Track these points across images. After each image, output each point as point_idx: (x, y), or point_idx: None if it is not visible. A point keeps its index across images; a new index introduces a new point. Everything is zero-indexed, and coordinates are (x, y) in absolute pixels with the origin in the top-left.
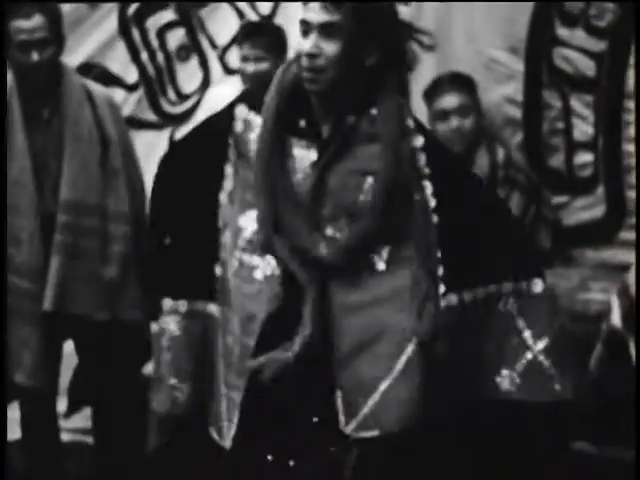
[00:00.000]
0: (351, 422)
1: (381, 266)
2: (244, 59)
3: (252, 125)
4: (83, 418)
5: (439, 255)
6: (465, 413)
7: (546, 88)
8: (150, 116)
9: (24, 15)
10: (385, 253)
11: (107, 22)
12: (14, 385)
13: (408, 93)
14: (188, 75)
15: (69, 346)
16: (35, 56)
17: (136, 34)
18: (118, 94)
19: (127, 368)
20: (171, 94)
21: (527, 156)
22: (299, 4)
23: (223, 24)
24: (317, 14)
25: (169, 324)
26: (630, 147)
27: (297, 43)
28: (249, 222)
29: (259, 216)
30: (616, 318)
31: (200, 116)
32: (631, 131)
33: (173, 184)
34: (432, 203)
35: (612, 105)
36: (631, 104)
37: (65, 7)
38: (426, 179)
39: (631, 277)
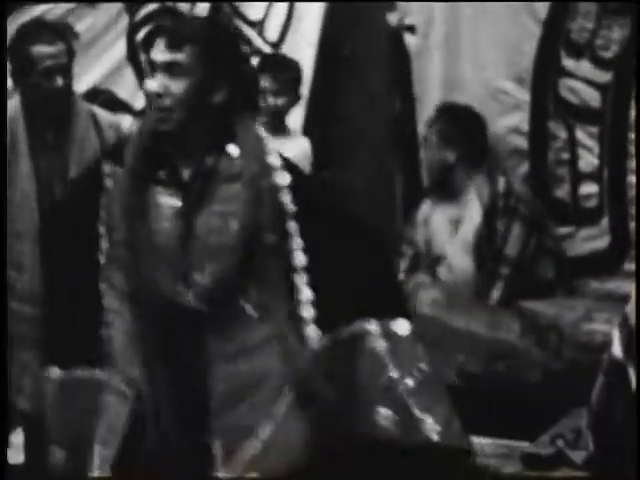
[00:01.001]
0: (230, 469)
1: (251, 311)
2: (261, 91)
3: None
4: None
5: (309, 296)
6: (351, 452)
7: (552, 119)
8: None
9: (47, 41)
10: (253, 297)
11: (115, 48)
12: (16, 411)
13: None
14: None
15: None
16: (60, 81)
17: (144, 60)
18: (125, 120)
19: None
20: None
21: (532, 186)
22: (307, 32)
23: None
24: (162, 53)
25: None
26: (634, 178)
27: (145, 84)
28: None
29: (124, 271)
30: (617, 349)
31: None
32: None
33: (54, 248)
34: (298, 243)
35: (617, 136)
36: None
37: None
38: (292, 219)
39: (630, 307)
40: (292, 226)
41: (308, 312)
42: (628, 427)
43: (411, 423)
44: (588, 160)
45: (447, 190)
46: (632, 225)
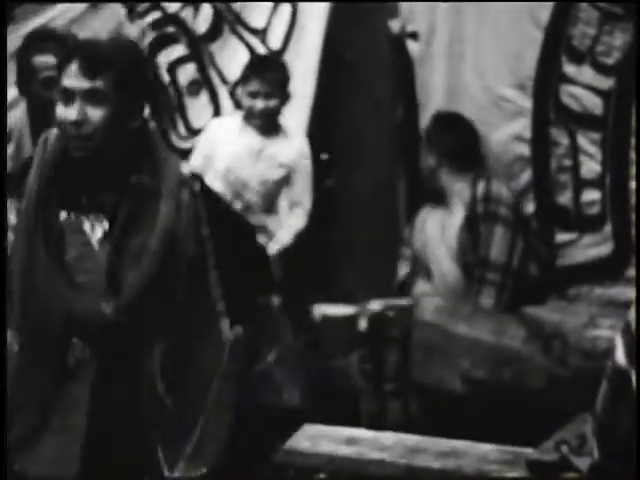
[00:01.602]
0: (176, 467)
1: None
2: (253, 95)
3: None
4: None
5: (219, 292)
6: None
7: (554, 125)
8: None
9: (50, 50)
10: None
11: None
12: None
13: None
14: (198, 110)
15: None
16: None
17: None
18: None
19: None
20: (181, 129)
21: (535, 193)
22: (310, 39)
23: (234, 59)
24: (79, 81)
25: None
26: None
27: (57, 111)
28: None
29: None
30: (620, 356)
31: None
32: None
33: None
34: (210, 247)
35: (619, 143)
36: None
37: None
38: (205, 225)
39: (632, 313)
40: (205, 231)
41: (221, 306)
42: (633, 434)
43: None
44: (590, 167)
45: (437, 195)
46: (635, 231)
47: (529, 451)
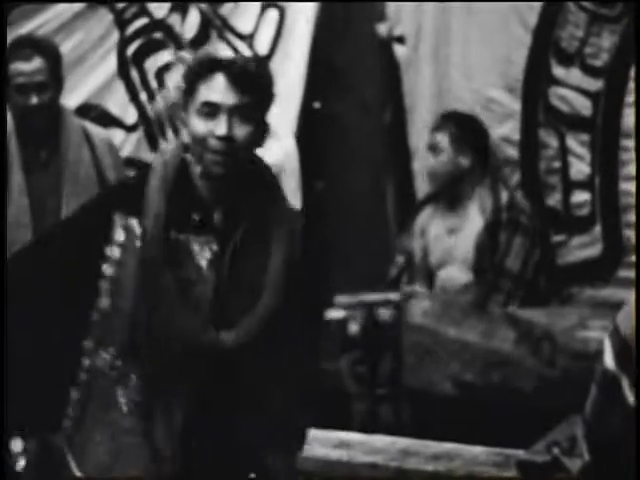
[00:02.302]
0: None
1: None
2: None
3: (135, 233)
4: None
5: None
6: None
7: (543, 127)
8: (149, 157)
9: (24, 57)
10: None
11: (106, 63)
12: None
13: None
14: None
15: None
16: (34, 99)
17: (135, 75)
18: (117, 135)
19: None
20: (170, 135)
21: (525, 195)
22: (297, 43)
23: None
24: (226, 96)
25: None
26: (626, 185)
27: (195, 124)
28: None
29: (132, 319)
30: (609, 360)
31: None
32: (628, 169)
33: (31, 294)
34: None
35: (608, 144)
36: (628, 142)
37: (65, 48)
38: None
39: (620, 317)
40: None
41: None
42: (624, 439)
43: None
44: (579, 168)
45: (450, 199)
46: (625, 232)
47: (519, 453)
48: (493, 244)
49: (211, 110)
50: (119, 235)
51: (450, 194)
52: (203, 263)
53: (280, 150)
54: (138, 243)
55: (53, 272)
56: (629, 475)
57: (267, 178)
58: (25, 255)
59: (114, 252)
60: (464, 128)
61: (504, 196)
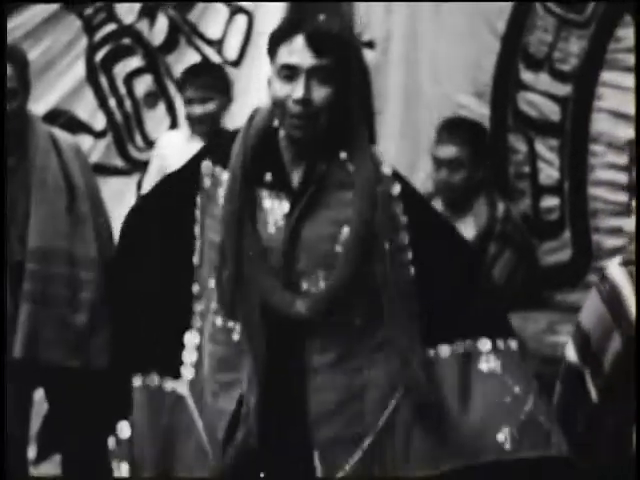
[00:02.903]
0: None
1: (357, 321)
2: (189, 102)
3: (220, 181)
4: (53, 465)
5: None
6: (474, 471)
7: (511, 132)
8: (118, 162)
9: None
10: (361, 306)
11: (75, 69)
12: None
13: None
14: (156, 121)
15: (40, 393)
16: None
17: (104, 81)
18: (86, 141)
19: (97, 417)
20: (139, 140)
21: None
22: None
23: None
24: (305, 58)
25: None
26: (595, 190)
27: (276, 88)
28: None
29: (227, 277)
30: (571, 353)
31: (153, 164)
32: (597, 174)
33: (140, 246)
34: (409, 254)
35: (577, 149)
36: (596, 147)
37: (33, 54)
38: (403, 229)
39: (584, 314)
40: (404, 237)
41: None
42: (587, 429)
43: (538, 439)
44: (548, 173)
45: (451, 209)
46: (594, 237)
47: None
48: (482, 253)
49: (290, 73)
50: (206, 182)
51: (451, 205)
52: (275, 221)
53: None
54: (221, 192)
55: (159, 222)
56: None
57: (353, 142)
58: (138, 206)
59: (203, 199)
60: (481, 140)
61: (501, 209)
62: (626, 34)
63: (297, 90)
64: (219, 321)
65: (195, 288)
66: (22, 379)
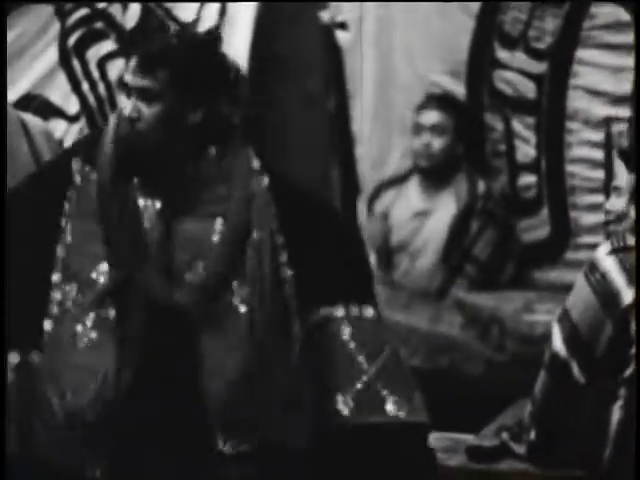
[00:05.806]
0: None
1: (242, 309)
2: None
3: (90, 180)
4: None
5: (290, 290)
6: (319, 442)
7: (488, 111)
8: None
9: None
10: (243, 293)
11: (47, 54)
12: None
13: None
14: None
15: None
16: None
17: (77, 65)
18: (59, 125)
19: None
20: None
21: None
22: (239, 32)
23: None
24: (134, 78)
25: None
26: (572, 167)
27: (120, 102)
28: (101, 275)
29: (110, 270)
30: (558, 343)
31: None
32: (574, 151)
33: (10, 236)
34: (279, 240)
35: (553, 126)
36: (572, 125)
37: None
38: (274, 216)
39: (571, 301)
40: (274, 223)
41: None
42: (573, 421)
43: (373, 405)
44: (525, 151)
45: (426, 182)
46: (572, 214)
47: (469, 437)
48: (462, 231)
49: (127, 90)
50: (77, 179)
51: (429, 177)
52: (148, 218)
53: None
54: (92, 189)
55: (27, 212)
56: (573, 458)
57: (227, 145)
58: (14, 193)
59: (73, 194)
60: (464, 117)
61: (481, 186)
62: (600, 11)
63: (127, 108)
64: (94, 309)
65: (55, 277)
66: None
